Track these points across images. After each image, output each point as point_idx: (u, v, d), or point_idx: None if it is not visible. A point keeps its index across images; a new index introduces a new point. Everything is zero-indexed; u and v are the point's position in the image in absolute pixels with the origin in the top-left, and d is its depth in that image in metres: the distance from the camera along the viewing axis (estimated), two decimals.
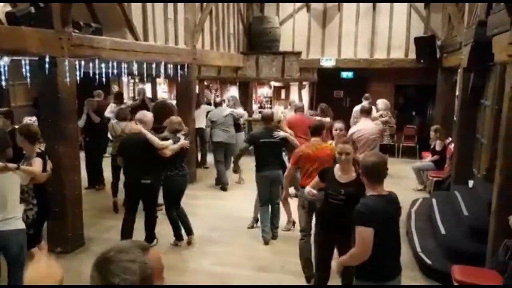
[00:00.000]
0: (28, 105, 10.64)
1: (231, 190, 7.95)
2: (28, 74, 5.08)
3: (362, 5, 10.66)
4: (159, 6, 7.29)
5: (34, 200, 4.09)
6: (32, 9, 4.54)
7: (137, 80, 12.69)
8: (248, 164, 6.58)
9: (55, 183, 4.73)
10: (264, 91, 13.85)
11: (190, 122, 7.81)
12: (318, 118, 7.52)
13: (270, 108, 13.46)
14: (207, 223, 6.28)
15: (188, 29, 8.07)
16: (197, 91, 9.56)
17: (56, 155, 4.92)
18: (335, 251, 3.83)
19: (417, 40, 9.60)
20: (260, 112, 12.89)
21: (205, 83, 12.87)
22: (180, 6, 7.86)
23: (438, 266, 4.56)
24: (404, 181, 8.27)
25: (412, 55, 9.96)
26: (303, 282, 4.53)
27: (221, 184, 8.03)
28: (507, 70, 4.12)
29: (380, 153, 3.54)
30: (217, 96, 12.80)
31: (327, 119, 7.63)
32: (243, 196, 7.25)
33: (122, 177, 5.64)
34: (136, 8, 6.68)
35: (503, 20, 4.08)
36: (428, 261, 4.81)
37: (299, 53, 11.02)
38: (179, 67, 7.77)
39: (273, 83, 13.40)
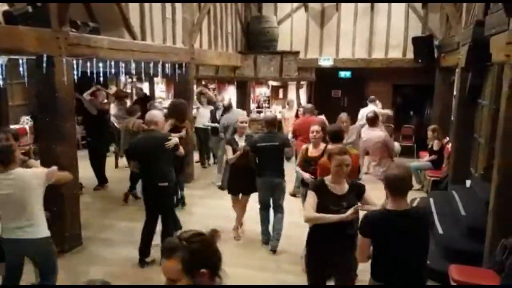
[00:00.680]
0: (26, 104, 10.66)
1: None
2: (25, 74, 5.06)
3: (360, 4, 10.66)
4: (157, 6, 7.27)
5: None
6: (30, 8, 4.52)
7: (134, 79, 12.68)
8: None
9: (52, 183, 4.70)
10: (262, 91, 13.88)
11: (188, 122, 7.74)
12: (322, 117, 7.52)
13: (268, 107, 13.51)
14: (205, 222, 6.26)
15: (186, 28, 8.05)
16: (196, 90, 9.55)
17: (54, 155, 4.91)
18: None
19: (415, 40, 9.60)
20: (258, 112, 13.02)
21: (203, 82, 12.87)
22: (178, 5, 7.84)
23: (436, 266, 4.54)
24: None
25: (410, 55, 9.99)
26: (302, 282, 4.52)
27: (221, 183, 7.98)
28: (504, 70, 4.12)
29: (405, 166, 3.18)
30: (217, 95, 12.76)
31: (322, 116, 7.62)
32: None
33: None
34: (133, 7, 6.65)
35: (501, 20, 4.08)
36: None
37: (297, 53, 11.02)
38: (177, 66, 7.75)
39: (271, 83, 13.43)
